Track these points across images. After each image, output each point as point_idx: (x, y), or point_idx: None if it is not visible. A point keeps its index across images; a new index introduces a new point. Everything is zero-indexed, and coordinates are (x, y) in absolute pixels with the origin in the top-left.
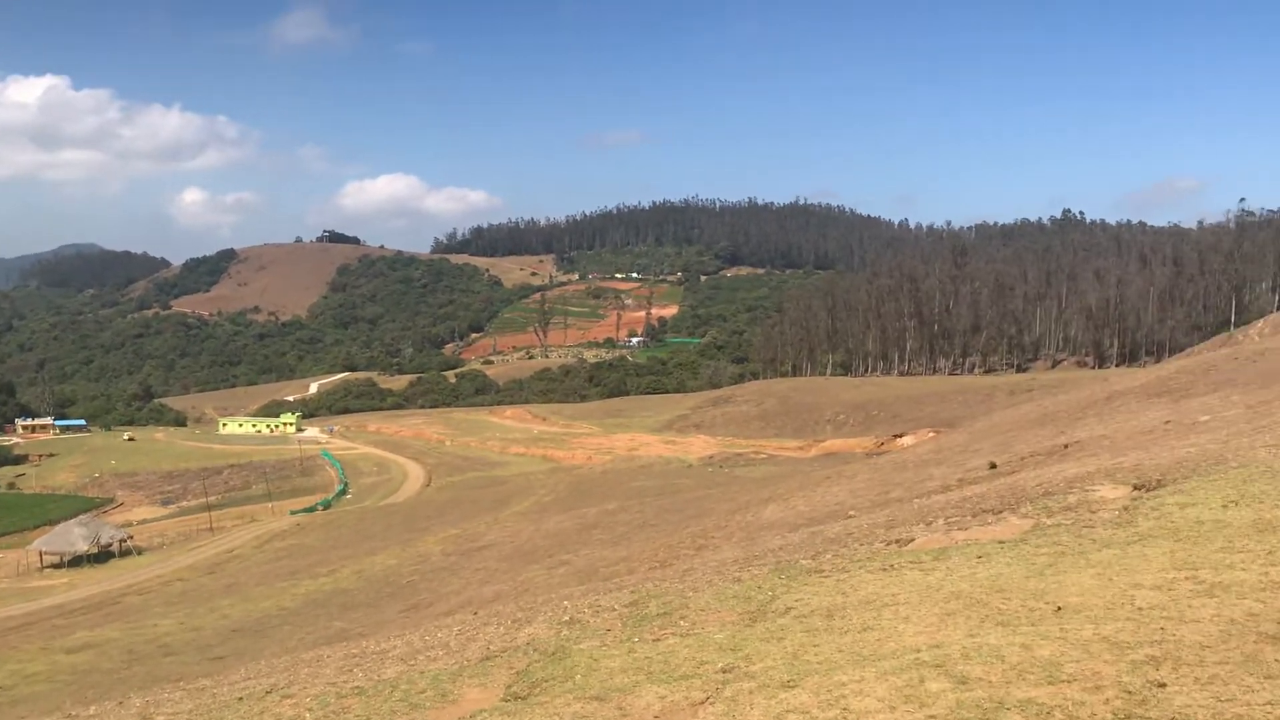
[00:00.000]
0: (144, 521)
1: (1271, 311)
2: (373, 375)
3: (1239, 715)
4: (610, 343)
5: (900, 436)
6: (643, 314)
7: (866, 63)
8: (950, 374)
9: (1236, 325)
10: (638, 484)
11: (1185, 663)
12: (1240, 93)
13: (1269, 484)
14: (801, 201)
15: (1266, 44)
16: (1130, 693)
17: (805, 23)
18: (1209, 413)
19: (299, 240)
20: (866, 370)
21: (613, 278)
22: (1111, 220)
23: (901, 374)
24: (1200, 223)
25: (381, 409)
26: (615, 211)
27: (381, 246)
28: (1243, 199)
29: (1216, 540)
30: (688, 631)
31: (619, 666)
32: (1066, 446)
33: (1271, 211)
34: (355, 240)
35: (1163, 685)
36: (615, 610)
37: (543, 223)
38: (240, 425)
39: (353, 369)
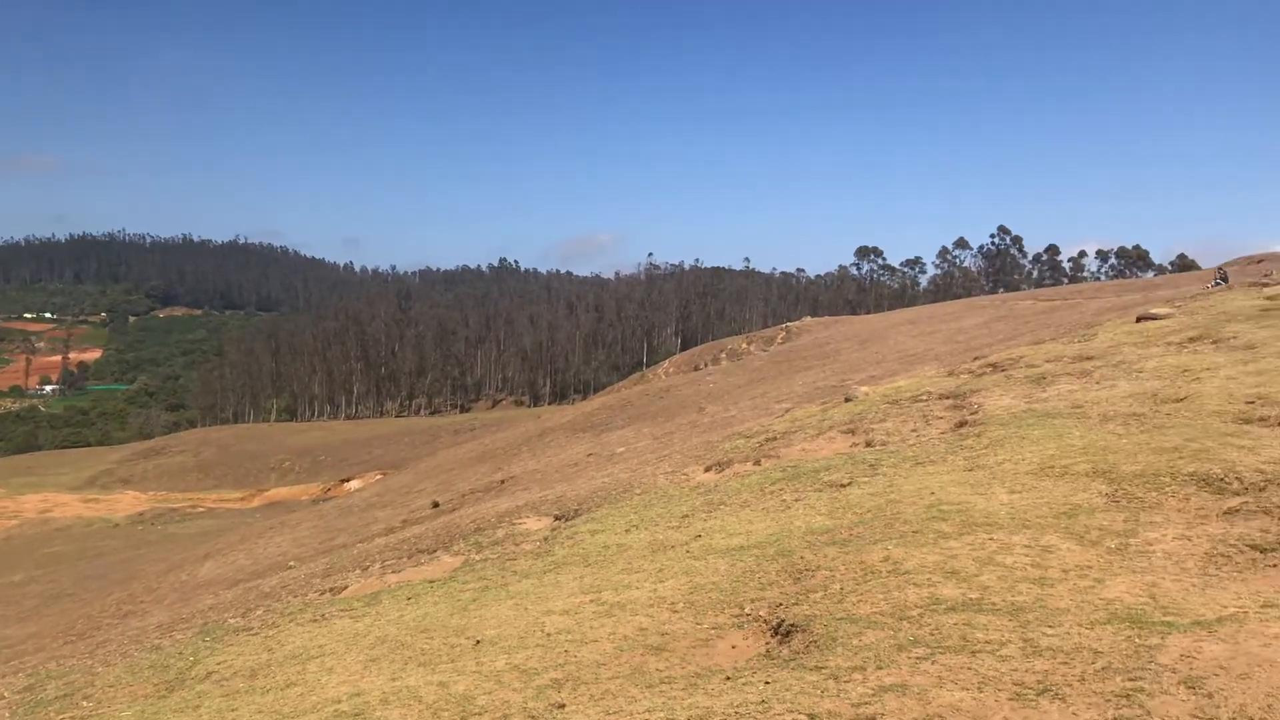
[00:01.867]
0: None
1: (675, 353)
2: None
3: None
4: (18, 391)
5: (347, 481)
6: (59, 358)
7: (315, 99)
8: (398, 416)
9: (648, 365)
10: (53, 549)
11: (583, 681)
12: (653, 162)
13: (664, 507)
14: (242, 240)
15: (643, 110)
16: (534, 717)
17: (241, 53)
18: (624, 444)
19: None
20: (314, 414)
21: (20, 318)
22: (543, 269)
23: (349, 417)
24: (617, 273)
25: None
26: (24, 244)
27: None
28: (650, 253)
29: (618, 563)
30: (90, 713)
31: None
32: (503, 482)
33: (673, 265)
34: None
35: (562, 706)
36: (4, 698)
37: None
38: None
39: None
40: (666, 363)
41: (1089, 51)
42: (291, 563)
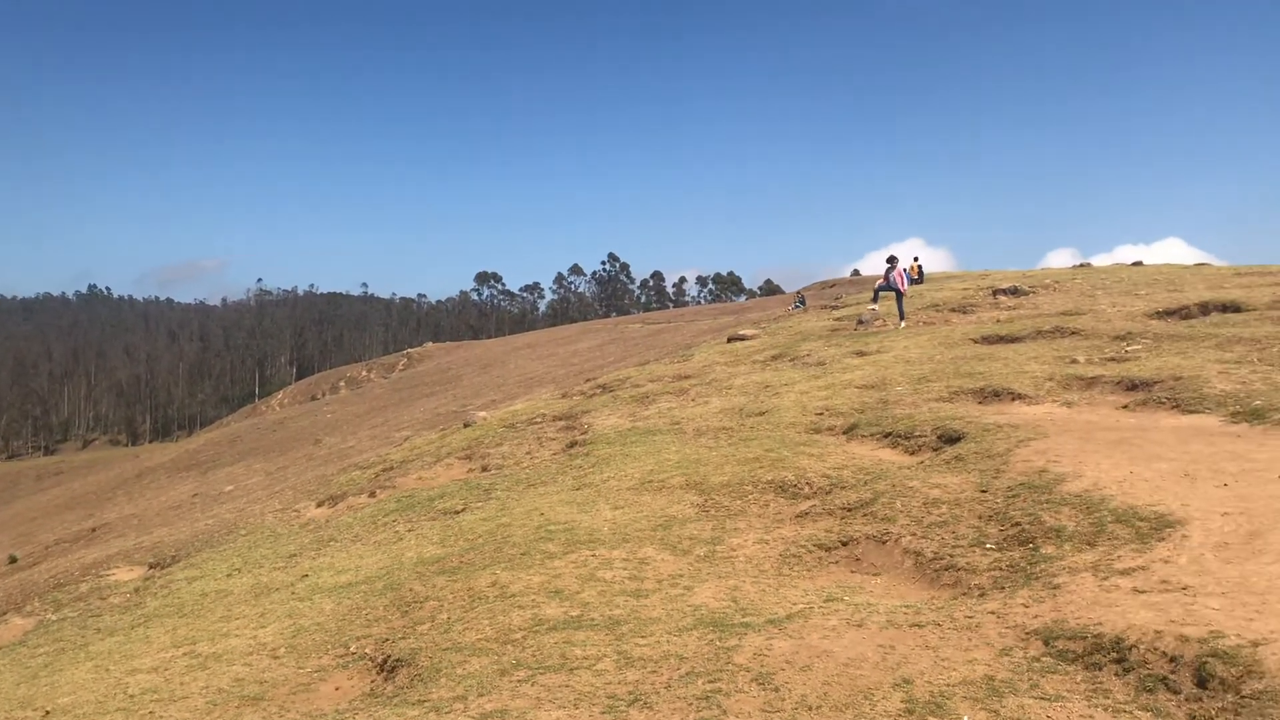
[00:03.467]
0: None
1: (291, 383)
2: None
3: None
4: None
5: None
6: None
7: None
8: None
9: (261, 397)
10: None
11: None
12: (264, 182)
13: (270, 548)
14: None
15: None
16: None
17: None
18: (233, 482)
19: None
20: None
21: None
22: (140, 296)
23: None
24: (224, 300)
25: None
26: None
27: None
28: (260, 279)
29: (217, 610)
30: None
31: None
32: (94, 529)
33: (286, 290)
34: None
35: None
36: None
37: None
38: None
39: None
40: (281, 393)
41: (675, 85)
42: None
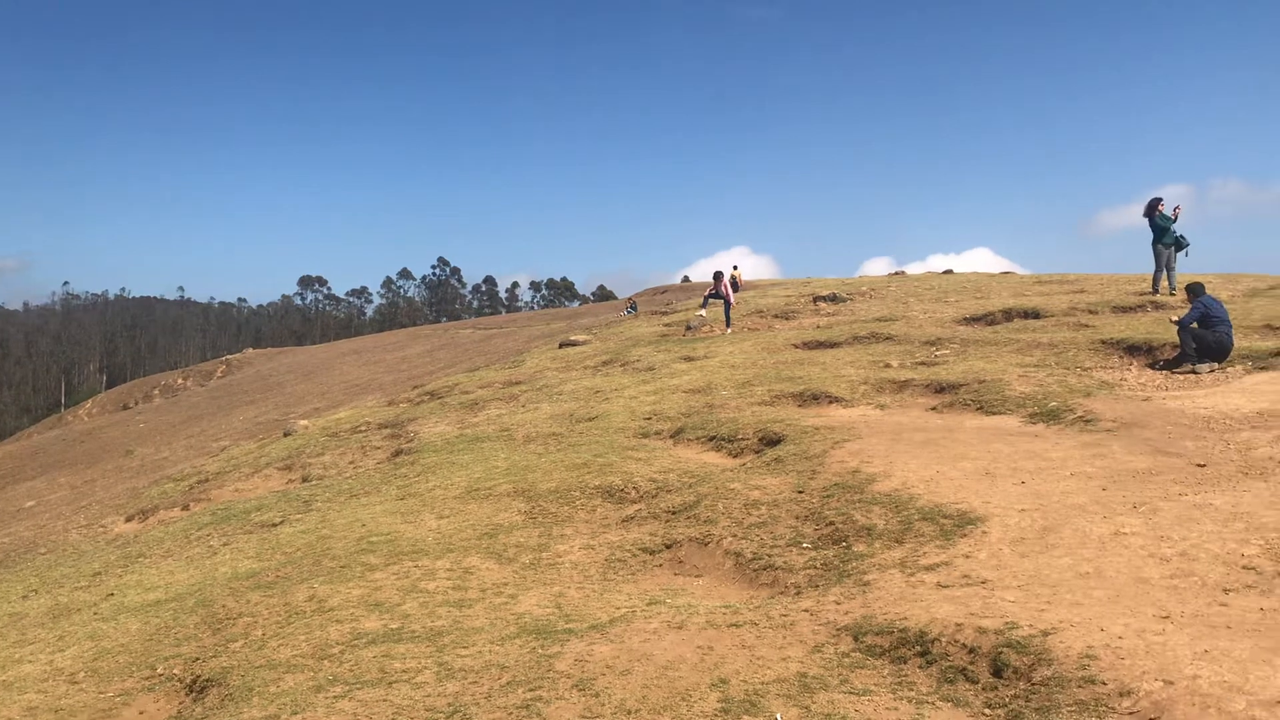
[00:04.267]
0: None
1: (101, 391)
2: None
3: None
4: None
5: None
6: None
7: None
8: None
9: (67, 406)
10: None
11: None
12: (69, 180)
13: (73, 566)
14: None
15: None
16: None
17: None
18: (34, 497)
19: None
20: None
21: None
22: None
23: None
24: (26, 304)
25: None
26: None
27: None
28: (67, 282)
29: (10, 635)
30: None
31: None
32: None
33: (96, 294)
34: None
35: None
36: None
37: None
38: None
39: None
40: (90, 402)
41: (504, 88)
42: None
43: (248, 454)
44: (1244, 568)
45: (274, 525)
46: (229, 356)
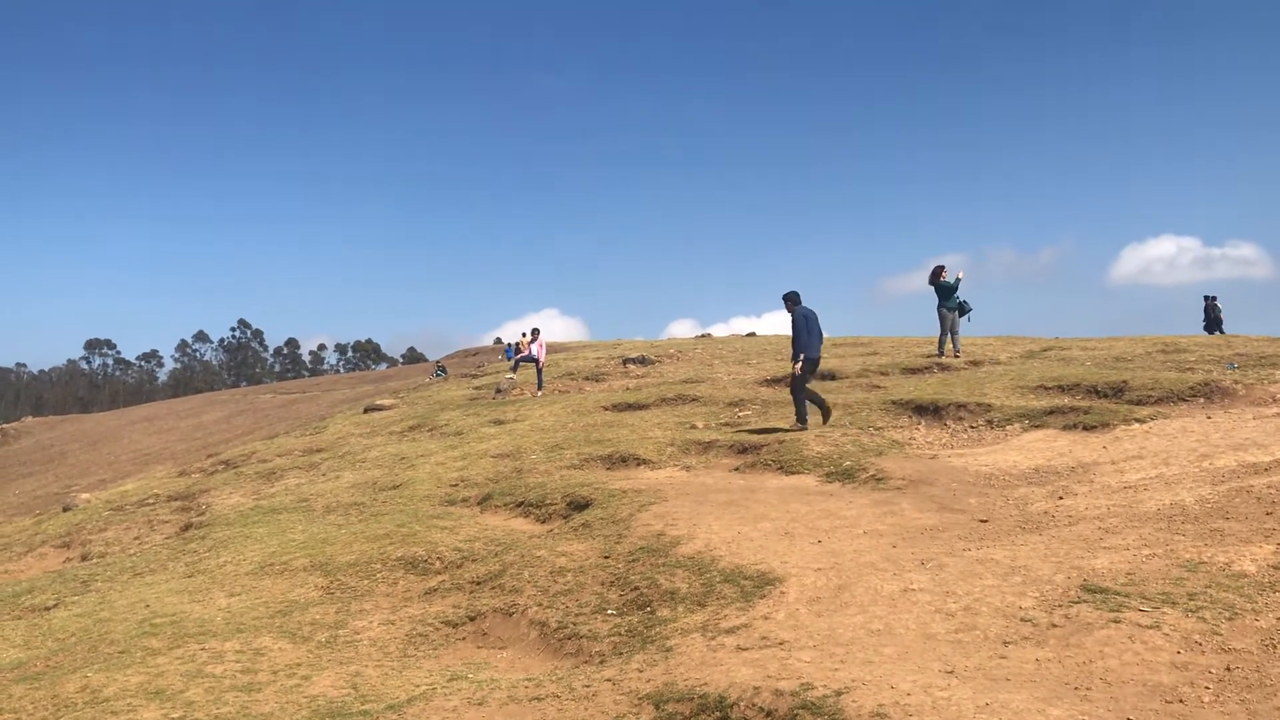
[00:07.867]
0: None
1: None
2: None
3: None
4: None
5: None
6: None
7: None
8: None
9: None
10: None
11: None
12: None
13: None
14: None
15: None
16: None
17: None
18: None
19: None
20: None
21: None
22: None
23: None
24: None
25: None
26: None
27: None
28: None
29: None
30: None
31: None
32: None
33: None
34: None
35: None
36: None
37: None
38: None
39: None
40: None
41: (311, 148)
42: None
43: (20, 531)
44: (1021, 619)
45: (46, 609)
46: (5, 425)
